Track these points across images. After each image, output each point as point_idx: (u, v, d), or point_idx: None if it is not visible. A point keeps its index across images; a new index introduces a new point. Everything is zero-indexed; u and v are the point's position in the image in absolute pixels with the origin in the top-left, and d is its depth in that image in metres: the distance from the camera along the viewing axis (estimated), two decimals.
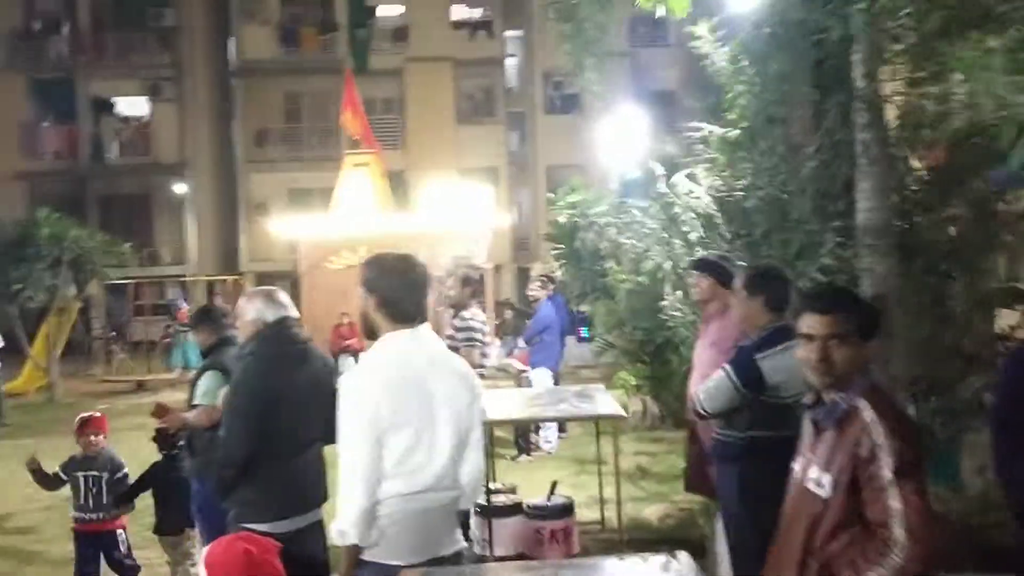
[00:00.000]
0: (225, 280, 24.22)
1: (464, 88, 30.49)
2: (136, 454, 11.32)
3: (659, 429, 10.55)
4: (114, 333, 24.03)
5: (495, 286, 20.77)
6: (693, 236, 6.41)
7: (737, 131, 6.28)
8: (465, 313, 6.47)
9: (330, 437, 4.03)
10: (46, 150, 29.09)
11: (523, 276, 29.80)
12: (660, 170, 7.45)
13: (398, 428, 2.68)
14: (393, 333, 2.85)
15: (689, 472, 4.74)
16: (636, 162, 12.30)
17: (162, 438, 5.37)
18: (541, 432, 9.41)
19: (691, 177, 7.18)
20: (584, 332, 17.72)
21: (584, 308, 15.13)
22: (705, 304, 4.69)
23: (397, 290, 2.86)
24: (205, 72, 30.36)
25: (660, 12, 6.58)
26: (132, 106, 29.99)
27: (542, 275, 10.80)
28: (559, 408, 6.10)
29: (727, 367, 3.85)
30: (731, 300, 4.38)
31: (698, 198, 6.68)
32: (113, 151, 29.22)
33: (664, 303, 6.73)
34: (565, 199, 13.36)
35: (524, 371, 9.44)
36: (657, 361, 10.61)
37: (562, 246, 13.14)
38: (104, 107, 29.61)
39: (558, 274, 13.85)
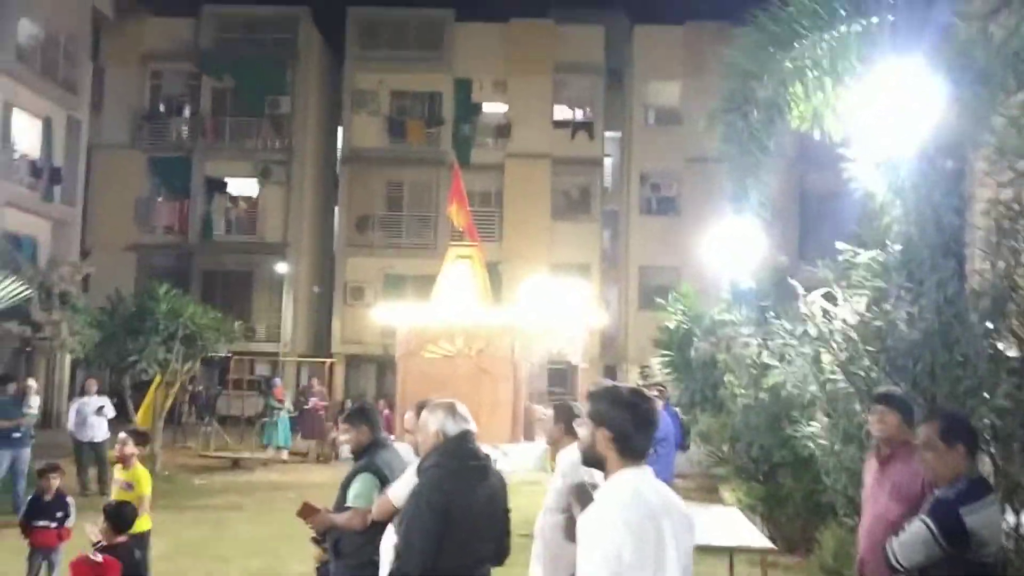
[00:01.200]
0: (324, 362, 24.56)
1: (561, 185, 30.96)
2: (236, 535, 11.40)
3: (772, 553, 10.13)
4: (197, 391, 24.48)
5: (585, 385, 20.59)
6: (843, 361, 6.22)
7: (889, 256, 6.15)
8: None
9: (500, 557, 3.97)
10: (158, 224, 30.42)
11: (610, 375, 29.55)
12: (800, 289, 7.31)
13: (635, 569, 2.60)
14: (624, 470, 2.79)
15: None
16: (747, 272, 12.15)
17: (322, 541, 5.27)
18: None
19: (830, 298, 7.04)
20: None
21: (682, 416, 14.86)
22: (886, 442, 4.47)
23: (629, 425, 2.80)
24: (313, 158, 31.53)
25: (816, 134, 6.64)
26: (242, 186, 31.21)
27: (656, 384, 10.63)
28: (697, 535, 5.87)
29: (928, 520, 3.64)
30: (913, 441, 4.20)
31: (844, 322, 6.53)
32: (220, 228, 30.34)
33: (814, 424, 6.50)
34: (675, 305, 13.27)
35: None
36: (772, 481, 10.26)
37: (671, 353, 13.00)
38: (216, 186, 30.90)
39: (658, 378, 13.69)
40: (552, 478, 5.09)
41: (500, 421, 18.26)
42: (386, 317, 20.91)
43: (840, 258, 6.81)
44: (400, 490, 4.21)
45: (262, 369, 29.70)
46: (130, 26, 30.14)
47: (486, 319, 19.40)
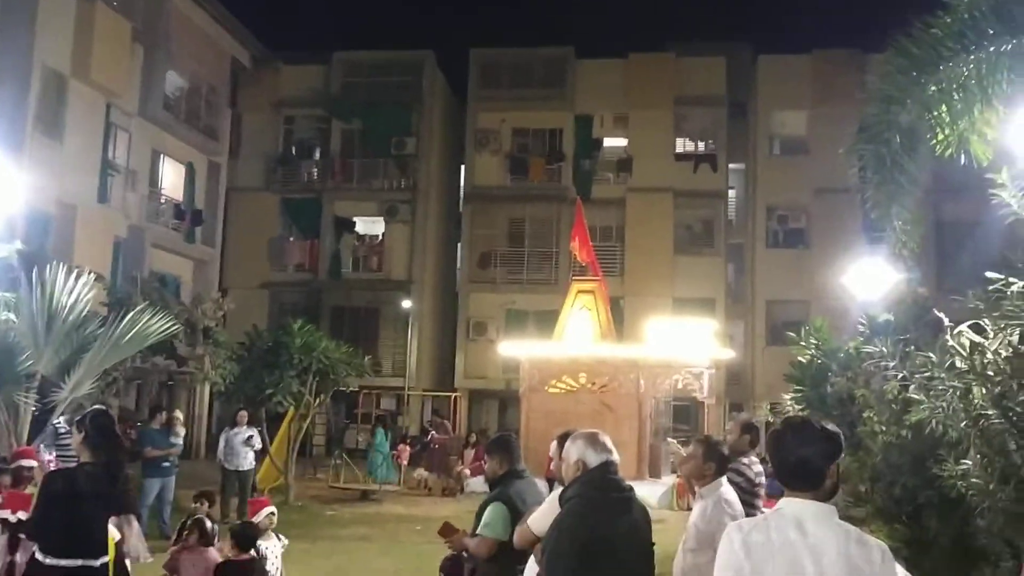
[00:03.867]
0: (448, 396, 24.95)
1: (684, 219, 30.59)
2: (367, 566, 11.60)
3: None
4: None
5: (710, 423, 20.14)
6: (996, 395, 5.91)
7: None
8: (744, 459, 6.24)
9: None
10: (289, 262, 31.58)
11: (736, 412, 28.86)
12: (947, 321, 7.02)
13: None
14: (789, 500, 2.77)
15: None
16: (883, 305, 11.70)
17: (451, 568, 5.38)
18: None
19: (978, 330, 6.70)
20: None
21: None
22: None
23: (792, 453, 2.78)
24: (437, 196, 32.25)
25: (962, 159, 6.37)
26: (369, 226, 32.15)
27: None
28: None
29: None
30: None
31: (996, 354, 6.20)
32: (348, 266, 31.28)
33: (966, 463, 6.16)
34: (808, 339, 12.86)
35: None
36: (916, 523, 9.77)
37: (804, 389, 12.58)
38: (344, 226, 31.91)
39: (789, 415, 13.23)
40: (691, 517, 4.96)
41: (624, 458, 17.94)
42: (509, 352, 21.10)
43: (990, 288, 6.49)
44: (540, 519, 4.23)
45: (388, 403, 30.33)
46: (265, 75, 31.68)
47: (609, 354, 19.31)
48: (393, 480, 19.14)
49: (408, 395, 28.46)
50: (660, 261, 29.43)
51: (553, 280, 29.44)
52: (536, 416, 18.61)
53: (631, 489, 3.90)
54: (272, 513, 6.90)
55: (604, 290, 20.59)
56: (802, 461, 2.76)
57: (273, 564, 6.66)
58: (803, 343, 12.63)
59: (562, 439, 4.41)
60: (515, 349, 20.71)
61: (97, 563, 4.96)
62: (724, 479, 5.08)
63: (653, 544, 3.92)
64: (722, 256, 30.54)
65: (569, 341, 19.53)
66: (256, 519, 6.79)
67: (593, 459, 3.86)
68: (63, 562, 4.83)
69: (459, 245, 32.33)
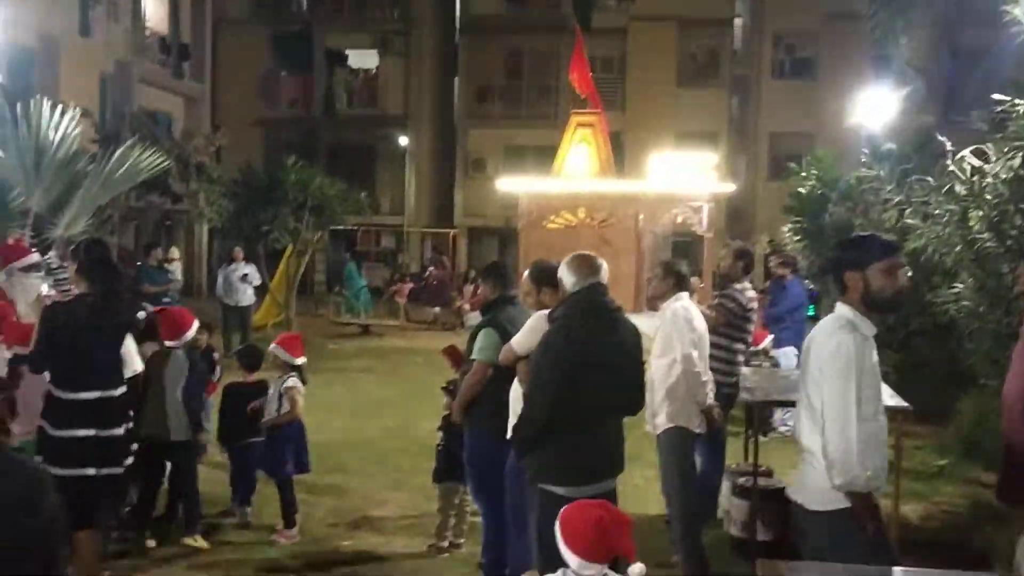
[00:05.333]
0: (447, 233, 24.99)
1: (687, 49, 29.66)
2: (370, 395, 11.90)
3: (905, 422, 9.90)
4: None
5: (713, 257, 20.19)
6: (993, 219, 5.85)
7: None
8: (737, 285, 6.26)
9: (633, 408, 3.97)
10: (283, 99, 30.84)
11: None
12: (948, 144, 6.88)
13: None
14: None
15: (1003, 481, 4.33)
16: (888, 133, 11.48)
17: (455, 389, 5.43)
18: (778, 413, 9.08)
19: (980, 156, 6.58)
20: (810, 311, 16.96)
21: (812, 286, 14.45)
22: None
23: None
24: (432, 28, 31.13)
25: None
26: (362, 59, 31.19)
27: (784, 255, 10.24)
28: None
29: None
30: None
31: (996, 178, 6.10)
32: (343, 102, 30.58)
33: (958, 287, 6.18)
34: (809, 169, 12.71)
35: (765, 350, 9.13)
36: (907, 349, 9.96)
37: (802, 220, 12.53)
38: (337, 59, 30.98)
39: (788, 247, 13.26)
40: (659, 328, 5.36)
41: (623, 292, 18.17)
42: (508, 188, 20.90)
43: (997, 109, 6.32)
44: (522, 339, 4.23)
45: (387, 241, 30.41)
46: None
47: (608, 189, 19.13)
48: (368, 311, 19.67)
49: (407, 232, 28.48)
50: (662, 93, 28.75)
51: (553, 115, 28.80)
52: (535, 252, 18.49)
53: (619, 309, 3.89)
54: (274, 348, 6.53)
55: (604, 124, 20.14)
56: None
57: (274, 396, 6.48)
58: (804, 174, 12.53)
59: (532, 272, 4.56)
60: (514, 185, 20.50)
61: (116, 392, 4.84)
62: (684, 293, 5.46)
63: (643, 362, 3.95)
64: (726, 88, 29.81)
65: (568, 176, 19.33)
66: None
67: (571, 281, 3.85)
68: (82, 395, 4.70)
69: (456, 79, 31.52)
